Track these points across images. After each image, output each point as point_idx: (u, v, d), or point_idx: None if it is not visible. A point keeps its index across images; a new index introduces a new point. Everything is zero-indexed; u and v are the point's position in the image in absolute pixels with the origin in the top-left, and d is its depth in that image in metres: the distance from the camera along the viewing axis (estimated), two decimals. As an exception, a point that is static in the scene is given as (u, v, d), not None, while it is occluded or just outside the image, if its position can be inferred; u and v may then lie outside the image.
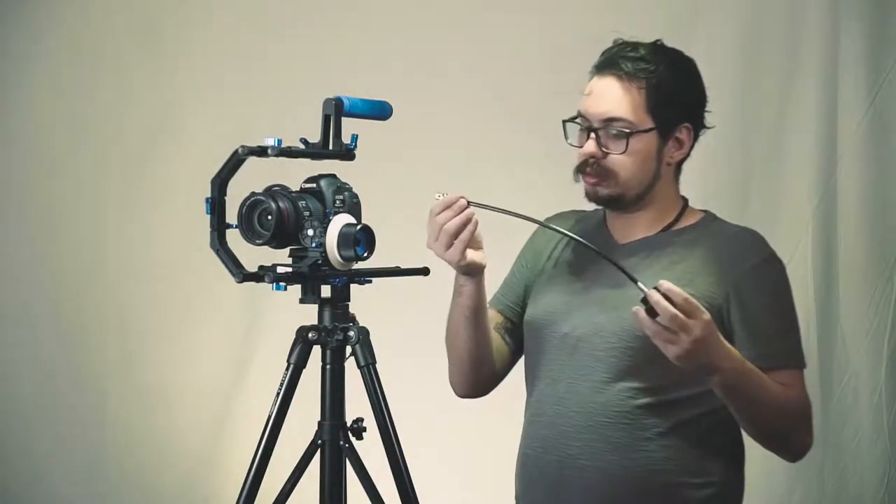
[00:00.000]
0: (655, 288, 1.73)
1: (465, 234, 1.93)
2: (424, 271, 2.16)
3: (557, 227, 2.02)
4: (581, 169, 2.02)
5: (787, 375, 1.93)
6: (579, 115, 2.04)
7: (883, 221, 3.00)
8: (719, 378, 1.81)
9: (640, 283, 1.78)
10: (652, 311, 1.73)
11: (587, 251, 1.99)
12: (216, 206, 2.03)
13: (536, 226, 2.17)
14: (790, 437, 1.95)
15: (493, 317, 2.16)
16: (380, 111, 2.16)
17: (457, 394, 2.19)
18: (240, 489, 2.10)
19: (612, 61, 2.01)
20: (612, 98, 1.99)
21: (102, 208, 3.56)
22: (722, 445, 1.98)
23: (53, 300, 3.57)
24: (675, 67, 2.02)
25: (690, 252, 1.98)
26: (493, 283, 2.17)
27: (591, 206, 2.11)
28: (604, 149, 1.99)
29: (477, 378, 2.14)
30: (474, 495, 3.26)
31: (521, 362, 2.19)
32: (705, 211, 2.09)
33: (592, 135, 2.00)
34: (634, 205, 2.02)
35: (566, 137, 2.07)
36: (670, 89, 2.00)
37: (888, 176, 2.99)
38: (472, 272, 1.99)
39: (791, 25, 3.07)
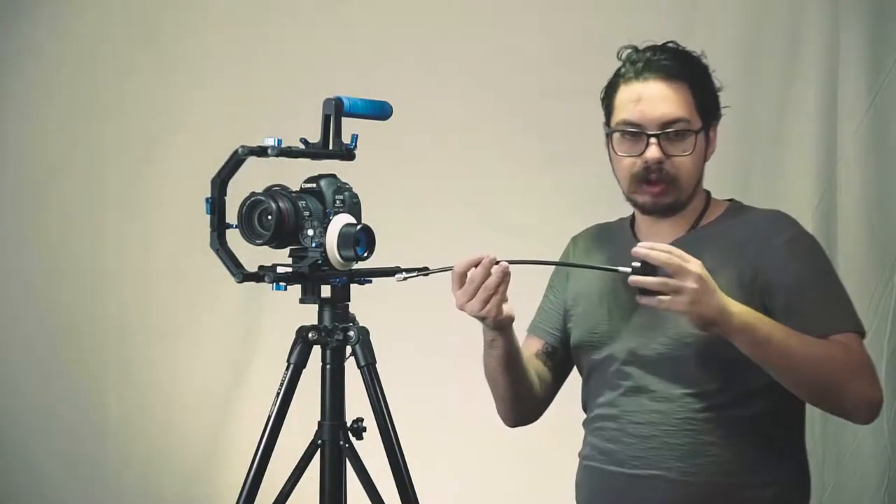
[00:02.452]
0: (636, 249, 1.79)
1: (503, 288, 1.91)
2: (424, 271, 2.16)
3: (575, 263, 2.10)
4: (643, 178, 2.00)
5: (842, 338, 1.91)
6: (628, 124, 2.00)
7: (883, 221, 3.00)
8: (737, 321, 1.81)
9: (620, 268, 1.83)
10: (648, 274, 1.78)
11: (612, 264, 2.02)
12: (216, 206, 2.03)
13: (564, 247, 2.23)
14: (848, 391, 1.89)
15: (534, 344, 2.20)
16: (380, 111, 2.16)
17: (507, 426, 2.23)
18: (240, 489, 2.10)
19: (654, 65, 2.00)
20: (668, 100, 1.98)
21: (102, 208, 3.56)
22: (783, 444, 1.99)
23: (53, 300, 3.57)
24: (702, 66, 2.05)
25: (721, 244, 1.98)
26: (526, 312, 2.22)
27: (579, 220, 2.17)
28: (666, 153, 1.98)
29: (523, 409, 2.18)
30: (474, 495, 3.26)
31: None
32: (730, 200, 2.11)
33: (653, 140, 1.97)
34: (684, 208, 2.04)
35: (613, 150, 2.04)
36: (707, 87, 2.03)
37: (888, 176, 2.99)
38: (505, 325, 1.99)
39: (791, 25, 3.06)
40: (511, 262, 1.91)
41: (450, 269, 1.92)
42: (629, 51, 2.05)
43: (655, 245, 1.78)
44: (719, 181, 3.10)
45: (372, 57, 3.33)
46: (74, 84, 3.55)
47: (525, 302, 2.21)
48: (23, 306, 3.57)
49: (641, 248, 1.78)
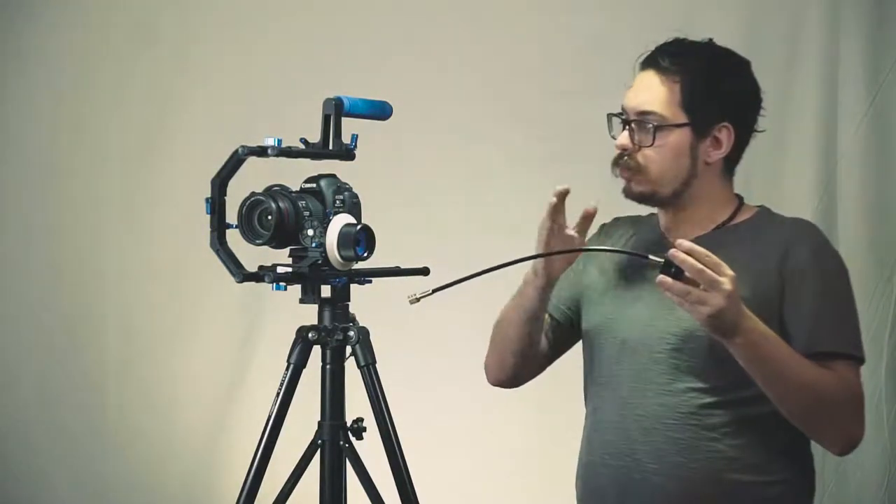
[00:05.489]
0: (675, 248, 1.75)
1: (554, 227, 1.99)
2: (424, 271, 2.16)
3: (593, 248, 2.09)
4: (616, 162, 2.04)
5: (840, 366, 1.91)
6: (622, 108, 2.05)
7: (883, 221, 3.00)
8: (742, 338, 1.80)
9: (651, 256, 1.81)
10: (677, 275, 1.75)
11: (637, 256, 2.01)
12: (216, 206, 2.03)
13: (594, 234, 2.21)
14: (833, 424, 1.92)
15: None
16: (380, 111, 2.16)
17: (489, 380, 2.23)
18: (240, 489, 2.10)
19: (653, 56, 2.03)
20: (647, 92, 2.01)
21: (102, 208, 3.56)
22: (789, 443, 1.97)
23: (53, 300, 3.57)
24: (715, 64, 2.02)
25: (745, 247, 1.98)
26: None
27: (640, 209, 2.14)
28: (635, 142, 2.01)
29: (514, 370, 2.18)
30: (474, 495, 3.26)
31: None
32: (760, 206, 2.10)
33: (627, 128, 2.02)
34: (671, 203, 2.04)
35: (610, 130, 2.07)
36: (707, 86, 2.00)
37: (888, 176, 2.99)
38: (546, 281, 2.03)
39: (791, 25, 3.06)
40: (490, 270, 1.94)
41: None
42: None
43: (695, 249, 1.74)
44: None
45: (372, 57, 3.33)
46: (74, 84, 3.55)
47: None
48: (23, 306, 3.57)
49: (679, 252, 1.75)
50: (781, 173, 3.08)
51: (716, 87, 2.01)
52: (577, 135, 3.20)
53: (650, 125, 1.99)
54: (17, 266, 3.58)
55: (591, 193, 3.26)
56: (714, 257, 1.75)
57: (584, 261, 2.17)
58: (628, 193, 2.05)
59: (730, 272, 1.76)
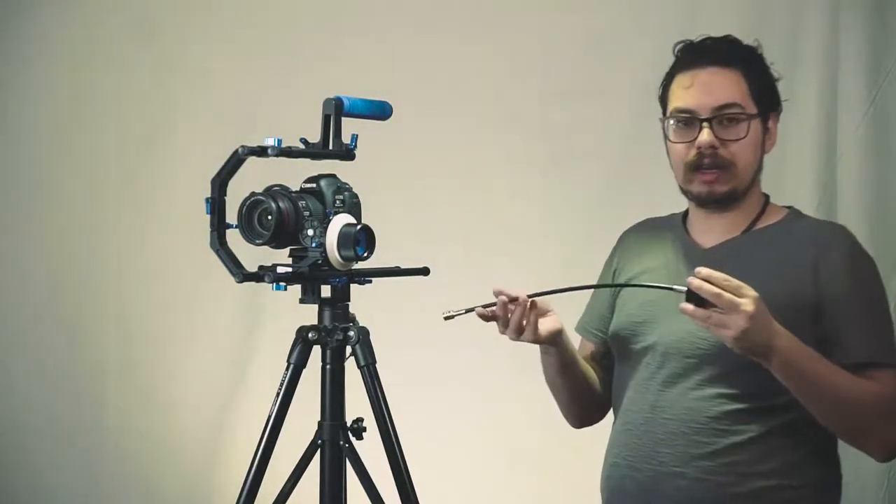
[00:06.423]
0: (692, 277, 1.76)
1: (532, 318, 1.97)
2: (424, 271, 2.16)
3: (618, 284, 2.10)
4: (697, 165, 1.99)
5: (879, 373, 1.90)
6: (680, 111, 2.01)
7: (883, 222, 2.99)
8: (777, 358, 1.80)
9: (674, 287, 1.81)
10: (700, 302, 1.76)
11: (665, 262, 2.02)
12: (216, 206, 2.03)
13: (613, 246, 2.22)
14: (871, 433, 1.91)
15: (585, 346, 2.21)
16: (380, 111, 2.16)
17: (572, 426, 2.25)
18: (240, 489, 2.10)
19: (708, 53, 2.01)
20: (721, 86, 1.98)
21: (102, 208, 3.56)
22: (816, 447, 1.96)
23: (54, 300, 3.57)
24: (759, 56, 2.05)
25: (775, 249, 1.97)
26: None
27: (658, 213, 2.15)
28: (720, 138, 1.97)
29: (583, 411, 2.21)
30: (475, 495, 3.26)
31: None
32: (789, 207, 2.09)
33: (705, 125, 1.97)
34: (740, 200, 2.01)
35: (665, 135, 2.04)
36: (764, 76, 2.03)
37: (888, 176, 2.99)
38: (550, 340, 2.03)
39: (791, 25, 3.06)
40: (533, 296, 1.96)
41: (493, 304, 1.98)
42: (683, 44, 2.07)
43: (713, 275, 1.74)
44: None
45: (372, 57, 3.33)
46: (74, 84, 3.55)
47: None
48: (22, 306, 3.57)
49: (695, 280, 1.75)
50: (781, 173, 3.08)
51: (767, 77, 2.04)
52: (577, 135, 3.20)
53: (737, 117, 1.97)
54: (17, 266, 3.58)
55: (592, 193, 3.27)
56: (734, 281, 1.75)
57: (612, 273, 2.18)
58: (708, 197, 2.01)
59: (752, 293, 1.75)
